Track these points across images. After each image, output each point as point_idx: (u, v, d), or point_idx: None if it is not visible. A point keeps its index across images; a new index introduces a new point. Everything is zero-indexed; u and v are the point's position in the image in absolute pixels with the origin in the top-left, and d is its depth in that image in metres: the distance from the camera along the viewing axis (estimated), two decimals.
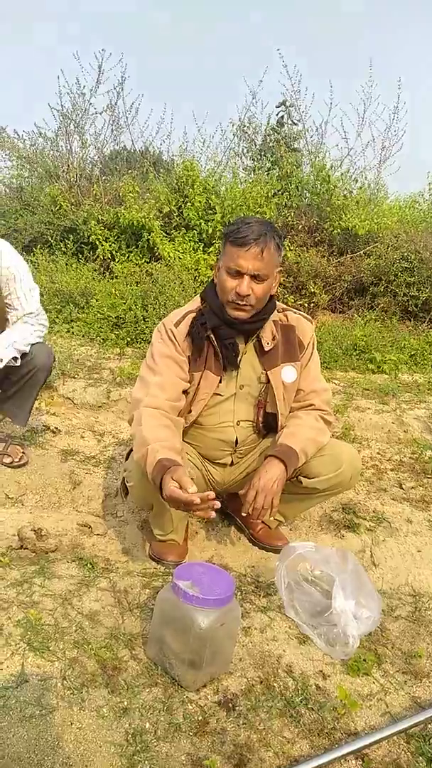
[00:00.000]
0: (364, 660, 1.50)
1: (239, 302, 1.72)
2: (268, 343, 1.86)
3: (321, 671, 1.47)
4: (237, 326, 1.80)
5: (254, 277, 1.70)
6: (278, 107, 7.65)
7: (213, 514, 1.47)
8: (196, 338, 1.79)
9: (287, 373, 1.89)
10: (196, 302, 1.89)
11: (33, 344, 2.27)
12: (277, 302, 1.91)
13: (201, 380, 1.83)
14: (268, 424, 1.95)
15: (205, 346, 1.82)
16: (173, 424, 1.74)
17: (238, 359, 1.85)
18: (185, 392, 1.83)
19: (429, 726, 1.33)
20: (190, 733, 1.24)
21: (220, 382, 1.85)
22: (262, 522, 2.12)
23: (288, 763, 1.20)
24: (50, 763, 1.14)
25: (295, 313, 1.94)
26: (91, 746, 1.18)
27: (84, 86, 6.46)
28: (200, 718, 1.28)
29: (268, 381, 1.87)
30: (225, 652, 1.41)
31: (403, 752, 1.26)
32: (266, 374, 1.87)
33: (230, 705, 1.32)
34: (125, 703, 1.29)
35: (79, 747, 1.17)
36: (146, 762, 1.16)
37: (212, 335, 1.81)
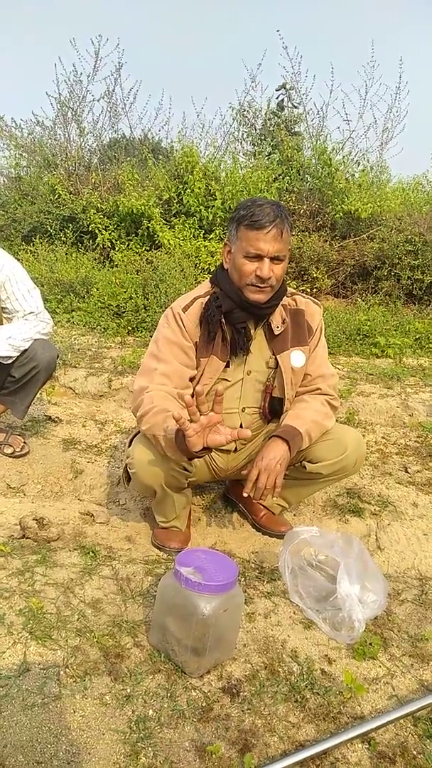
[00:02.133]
0: (370, 644, 1.49)
1: (260, 285, 1.69)
2: (278, 327, 1.83)
3: (326, 656, 1.45)
4: (252, 310, 1.76)
5: (273, 259, 1.68)
6: (278, 90, 7.57)
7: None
8: (209, 321, 1.75)
9: (296, 357, 1.86)
10: (203, 287, 1.85)
11: (36, 341, 2.23)
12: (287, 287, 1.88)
13: (206, 365, 1.80)
14: (273, 409, 1.92)
15: (214, 330, 1.78)
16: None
17: (249, 344, 1.81)
18: (191, 378, 1.80)
19: None
20: (194, 720, 1.22)
21: (227, 366, 1.82)
22: (266, 507, 2.11)
23: (293, 747, 1.19)
24: (53, 751, 1.13)
25: (304, 297, 1.91)
26: (94, 734, 1.17)
27: (81, 73, 6.40)
28: (204, 704, 1.26)
29: (277, 365, 1.85)
30: (228, 638, 1.39)
31: (410, 735, 1.25)
32: (275, 358, 1.84)
33: (234, 691, 1.31)
34: (128, 690, 1.28)
35: (82, 735, 1.16)
36: (150, 749, 1.15)
37: (222, 320, 1.78)
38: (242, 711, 1.26)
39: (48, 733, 1.16)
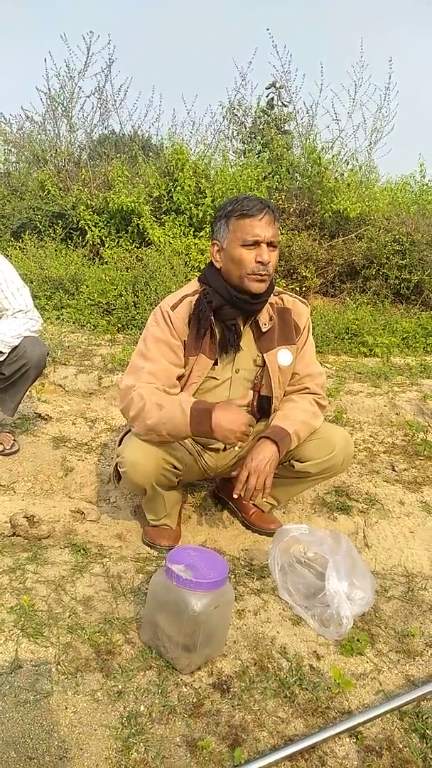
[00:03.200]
0: (358, 640, 1.51)
1: (261, 272, 1.71)
2: (265, 324, 1.83)
3: (315, 652, 1.47)
4: (243, 305, 1.77)
5: (269, 245, 1.70)
6: (268, 89, 7.57)
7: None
8: (200, 317, 1.75)
9: (283, 355, 1.88)
10: (192, 286, 1.85)
11: (26, 339, 2.23)
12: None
13: (194, 364, 1.81)
14: (262, 408, 1.94)
15: (203, 328, 1.79)
16: None
17: (240, 340, 1.82)
18: (179, 377, 1.81)
19: (422, 703, 1.34)
20: (185, 715, 1.24)
21: (215, 364, 1.83)
22: (255, 505, 2.12)
23: (282, 742, 1.21)
24: (45, 747, 1.14)
25: (291, 296, 1.93)
26: (86, 730, 1.18)
27: (73, 69, 6.36)
28: (195, 700, 1.28)
29: (264, 364, 1.86)
30: (219, 635, 1.41)
31: (396, 729, 1.27)
32: (262, 357, 1.85)
33: (225, 687, 1.33)
34: (120, 686, 1.29)
35: (74, 731, 1.17)
36: (141, 744, 1.16)
37: (212, 317, 1.78)
38: (232, 706, 1.28)
39: (40, 729, 1.17)
